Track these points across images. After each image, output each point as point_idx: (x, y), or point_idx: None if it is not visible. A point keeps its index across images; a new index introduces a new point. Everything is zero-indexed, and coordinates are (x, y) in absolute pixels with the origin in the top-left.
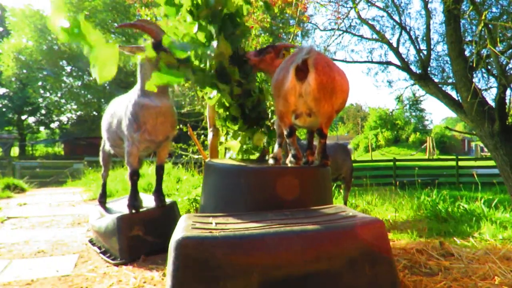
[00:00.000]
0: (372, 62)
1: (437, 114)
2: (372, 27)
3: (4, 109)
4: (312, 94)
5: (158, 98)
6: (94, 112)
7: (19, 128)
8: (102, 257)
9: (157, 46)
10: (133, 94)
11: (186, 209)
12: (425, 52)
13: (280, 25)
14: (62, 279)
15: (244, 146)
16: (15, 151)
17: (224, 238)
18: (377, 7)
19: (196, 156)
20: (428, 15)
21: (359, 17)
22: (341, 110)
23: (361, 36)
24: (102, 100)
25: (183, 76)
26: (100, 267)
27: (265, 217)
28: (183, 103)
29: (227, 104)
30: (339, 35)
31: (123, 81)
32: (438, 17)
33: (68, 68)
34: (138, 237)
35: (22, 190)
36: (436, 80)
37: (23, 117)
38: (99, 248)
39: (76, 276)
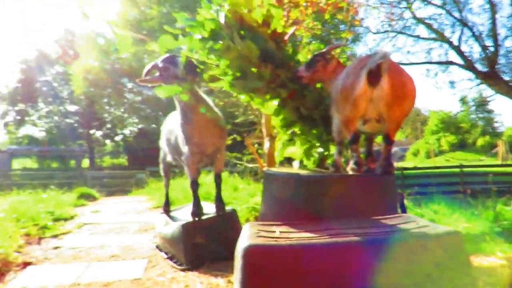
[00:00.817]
0: (431, 62)
1: (510, 115)
2: (429, 26)
3: (76, 125)
4: (385, 99)
5: (201, 113)
6: (153, 125)
7: (89, 142)
8: (169, 263)
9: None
10: (178, 112)
11: (246, 218)
12: (491, 49)
13: (331, 31)
14: (135, 282)
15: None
16: (85, 162)
17: (290, 246)
18: (434, 5)
19: (250, 165)
20: (493, 9)
21: (415, 16)
22: (407, 116)
23: (418, 37)
24: (160, 113)
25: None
26: (168, 272)
27: (329, 225)
28: (236, 113)
29: (281, 110)
30: (393, 36)
31: None
32: (505, 10)
33: (129, 85)
34: (202, 244)
35: (94, 198)
36: (506, 78)
37: (91, 132)
38: (166, 253)
39: (147, 280)
